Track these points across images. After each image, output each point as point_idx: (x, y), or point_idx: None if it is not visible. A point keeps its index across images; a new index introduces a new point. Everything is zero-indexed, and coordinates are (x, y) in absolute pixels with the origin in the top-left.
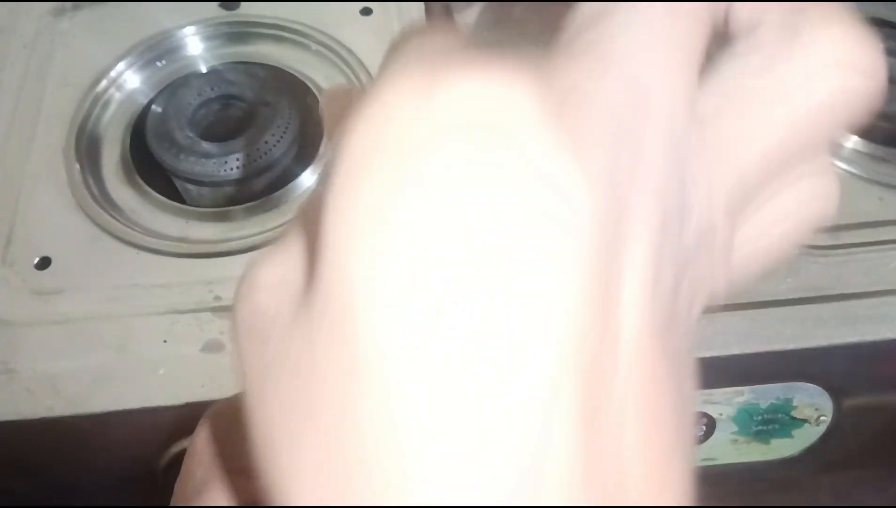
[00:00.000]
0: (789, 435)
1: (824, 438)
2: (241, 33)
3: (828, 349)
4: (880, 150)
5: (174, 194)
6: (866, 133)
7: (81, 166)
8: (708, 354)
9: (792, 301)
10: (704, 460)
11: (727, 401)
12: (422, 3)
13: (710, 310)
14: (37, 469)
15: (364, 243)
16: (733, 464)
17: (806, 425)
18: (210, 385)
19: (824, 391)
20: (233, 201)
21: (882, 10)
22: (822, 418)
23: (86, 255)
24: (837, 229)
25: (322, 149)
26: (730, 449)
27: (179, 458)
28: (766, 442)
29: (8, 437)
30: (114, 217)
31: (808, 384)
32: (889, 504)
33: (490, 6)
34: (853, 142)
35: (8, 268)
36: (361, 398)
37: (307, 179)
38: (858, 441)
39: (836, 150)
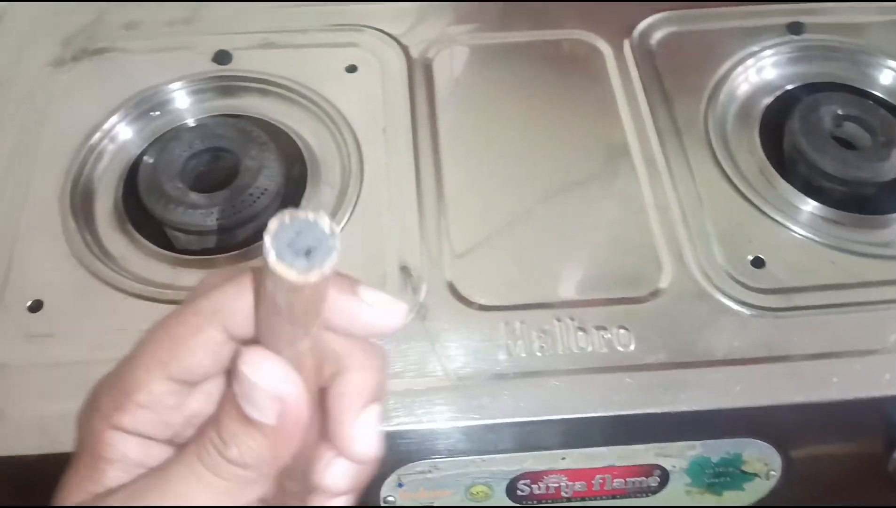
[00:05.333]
0: (741, 488)
1: (775, 491)
2: (229, 87)
3: (775, 408)
4: (834, 213)
5: (164, 241)
6: (821, 197)
7: (75, 215)
8: (660, 409)
9: (742, 360)
10: None
11: (680, 454)
12: (403, 60)
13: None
14: (23, 505)
15: None
16: None
17: (757, 478)
18: None
19: (773, 447)
20: (218, 248)
21: (844, 74)
22: (771, 472)
23: (77, 300)
24: (788, 291)
25: (304, 200)
26: (684, 500)
27: None
28: (719, 494)
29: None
30: (105, 264)
31: (757, 441)
32: None
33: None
34: (809, 205)
35: (2, 311)
36: None
37: None
38: (810, 492)
39: (793, 213)
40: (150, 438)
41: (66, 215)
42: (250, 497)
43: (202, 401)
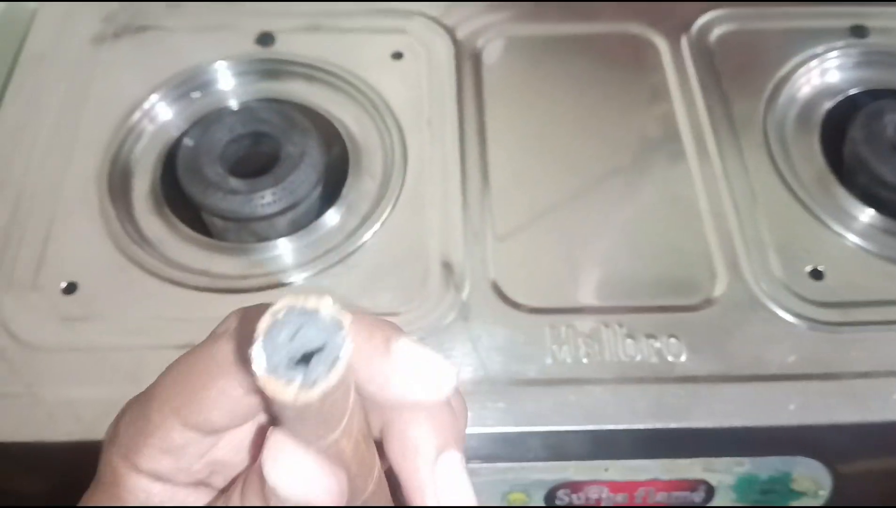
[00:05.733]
0: (787, 506)
1: None
2: (273, 70)
3: (829, 426)
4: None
5: (200, 225)
6: (883, 208)
7: (112, 196)
8: (709, 424)
9: (796, 376)
10: None
11: (727, 470)
12: (451, 50)
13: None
14: (55, 491)
15: None
16: None
17: (804, 497)
18: None
19: (823, 466)
20: (257, 237)
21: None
22: (820, 491)
23: (111, 283)
24: (847, 305)
25: (345, 190)
26: None
27: None
28: None
29: (30, 459)
30: (141, 247)
31: (808, 459)
32: None
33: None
34: (870, 216)
35: (37, 292)
36: None
37: (330, 218)
38: None
39: (852, 224)
40: (171, 482)
41: (104, 196)
42: None
43: (226, 451)
